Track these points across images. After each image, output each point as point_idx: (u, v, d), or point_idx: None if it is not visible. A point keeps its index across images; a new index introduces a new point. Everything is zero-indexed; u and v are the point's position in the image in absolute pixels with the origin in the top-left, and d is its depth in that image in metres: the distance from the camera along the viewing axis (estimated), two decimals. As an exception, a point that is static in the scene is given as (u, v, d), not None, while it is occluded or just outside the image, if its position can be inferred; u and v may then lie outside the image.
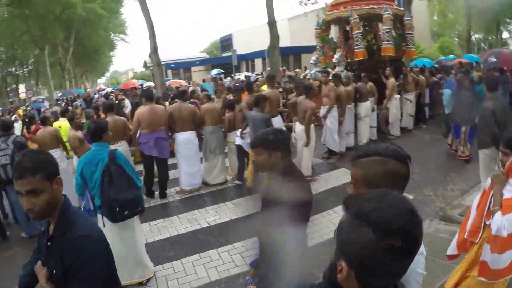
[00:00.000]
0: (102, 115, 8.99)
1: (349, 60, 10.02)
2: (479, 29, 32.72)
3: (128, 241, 3.74)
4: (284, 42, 18.79)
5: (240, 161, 6.66)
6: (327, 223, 4.87)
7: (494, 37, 32.68)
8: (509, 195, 2.23)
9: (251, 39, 34.71)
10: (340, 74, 8.43)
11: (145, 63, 39.42)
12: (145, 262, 3.92)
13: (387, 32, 9.00)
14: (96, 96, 21.30)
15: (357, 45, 9.24)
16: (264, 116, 5.71)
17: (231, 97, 7.52)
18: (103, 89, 28.62)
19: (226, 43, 42.83)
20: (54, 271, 1.55)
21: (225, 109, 6.92)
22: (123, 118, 6.33)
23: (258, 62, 34.41)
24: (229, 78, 21.98)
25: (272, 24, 16.50)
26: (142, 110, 6.14)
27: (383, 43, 9.27)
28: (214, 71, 23.54)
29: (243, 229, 4.97)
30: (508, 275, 2.30)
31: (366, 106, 8.57)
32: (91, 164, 3.49)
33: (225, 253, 4.40)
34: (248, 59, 35.86)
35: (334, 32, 29.88)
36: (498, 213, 2.21)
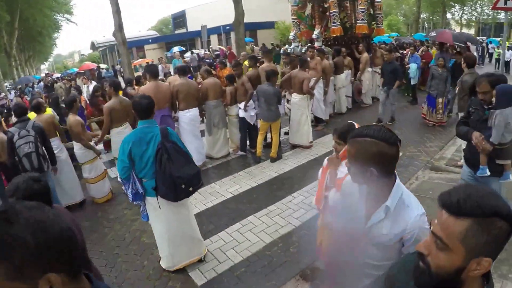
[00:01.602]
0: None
1: (325, 36, 10.56)
2: (426, 9, 35.11)
3: (184, 219, 3.71)
4: None
5: (242, 133, 6.98)
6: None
7: (438, 17, 35.24)
8: (342, 175, 2.57)
9: (205, 15, 34.02)
10: (323, 49, 8.91)
11: (92, 44, 37.37)
12: (199, 237, 3.90)
13: (362, 12, 9.68)
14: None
15: (334, 22, 9.80)
16: (276, 90, 6.08)
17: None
18: (52, 74, 26.76)
19: (179, 19, 41.53)
20: None
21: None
22: (127, 99, 5.98)
23: (213, 38, 33.99)
24: (188, 54, 21.73)
25: (237, 0, 16.55)
26: (146, 87, 5.95)
27: (358, 21, 9.94)
28: (176, 49, 23.04)
29: (270, 194, 5.39)
30: None
31: (341, 79, 9.30)
32: (141, 142, 3.26)
33: (265, 217, 4.71)
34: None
35: (281, 5, 30.00)
36: (334, 189, 2.60)
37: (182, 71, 6.54)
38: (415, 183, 5.38)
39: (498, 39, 19.68)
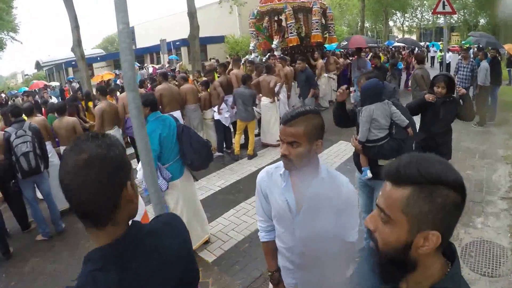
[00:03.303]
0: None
1: (282, 46, 11.42)
2: (370, 18, 37.79)
3: (196, 198, 4.16)
4: (186, 33, 19.25)
5: (219, 135, 7.43)
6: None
7: (381, 26, 38.14)
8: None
9: (154, 31, 34.05)
10: (285, 57, 9.68)
11: (37, 63, 35.73)
12: (205, 216, 4.31)
13: (316, 22, 10.65)
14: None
15: (291, 33, 10.67)
16: (252, 92, 6.68)
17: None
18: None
19: (127, 36, 40.91)
20: None
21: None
22: (114, 103, 6.32)
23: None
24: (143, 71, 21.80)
25: (192, 14, 17.00)
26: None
27: (312, 31, 10.90)
28: (131, 64, 22.91)
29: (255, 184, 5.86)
30: None
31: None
32: (164, 127, 3.70)
33: (255, 202, 5.21)
34: (152, 51, 35.15)
35: (239, 20, 30.77)
36: None
37: (164, 76, 6.96)
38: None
39: (440, 42, 21.61)
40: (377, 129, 3.15)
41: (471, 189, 4.82)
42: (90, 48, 55.22)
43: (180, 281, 1.12)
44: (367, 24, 38.93)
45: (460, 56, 8.74)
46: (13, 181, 4.70)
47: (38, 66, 36.82)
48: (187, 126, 3.93)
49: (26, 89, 20.09)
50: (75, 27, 12.39)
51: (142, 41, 37.93)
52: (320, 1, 11.40)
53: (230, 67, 8.78)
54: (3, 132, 4.73)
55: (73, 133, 5.39)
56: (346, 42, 11.03)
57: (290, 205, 1.72)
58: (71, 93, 19.87)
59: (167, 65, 20.19)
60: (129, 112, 5.07)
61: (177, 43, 30.76)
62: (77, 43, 12.71)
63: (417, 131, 3.79)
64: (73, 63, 31.67)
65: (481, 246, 3.63)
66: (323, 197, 1.66)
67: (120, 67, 27.20)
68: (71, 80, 23.12)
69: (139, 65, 24.27)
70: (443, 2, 6.88)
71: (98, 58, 34.07)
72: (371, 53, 14.31)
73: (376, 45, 11.13)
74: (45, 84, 22.00)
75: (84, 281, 0.96)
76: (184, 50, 32.50)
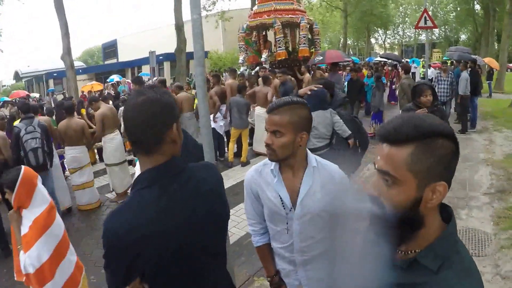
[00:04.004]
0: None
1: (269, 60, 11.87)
2: (352, 35, 38.91)
3: None
4: (171, 47, 19.41)
5: (214, 143, 7.60)
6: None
7: (363, 43, 39.40)
8: (26, 230, 2.27)
9: (137, 45, 34.08)
10: (275, 70, 10.08)
11: (16, 73, 34.98)
12: None
13: (304, 37, 11.15)
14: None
15: (280, 47, 11.12)
16: (246, 102, 7.00)
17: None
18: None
19: (109, 49, 40.82)
20: None
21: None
22: (113, 107, 6.43)
23: (145, 69, 33.94)
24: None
25: (179, 28, 17.31)
26: None
27: (300, 46, 11.38)
28: (115, 77, 22.99)
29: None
30: None
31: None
32: None
33: (245, 205, 5.44)
34: (134, 65, 35.06)
35: (224, 35, 31.15)
36: (21, 252, 2.25)
37: (163, 83, 7.20)
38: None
39: (421, 59, 22.62)
40: (316, 138, 3.18)
41: (456, 188, 5.23)
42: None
43: (212, 214, 1.31)
44: (349, 41, 40.02)
45: (438, 70, 9.15)
46: None
47: (17, 76, 36.06)
48: (184, 130, 4.08)
49: (7, 98, 19.76)
50: (65, 35, 12.46)
51: (125, 55, 37.86)
52: (307, 17, 11.97)
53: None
54: (14, 127, 4.84)
55: (81, 134, 5.51)
56: (321, 57, 11.03)
57: (284, 200, 1.67)
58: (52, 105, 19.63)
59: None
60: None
61: (160, 57, 30.89)
62: (67, 51, 12.77)
63: None
64: (55, 74, 31.34)
65: (467, 233, 4.04)
66: (317, 186, 1.64)
67: (102, 80, 27.21)
68: (52, 92, 22.87)
69: (122, 77, 24.27)
70: (425, 17, 7.41)
71: (80, 71, 33.66)
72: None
73: (350, 58, 11.47)
74: (27, 94, 21.70)
75: (133, 197, 1.20)
76: (167, 65, 32.59)
